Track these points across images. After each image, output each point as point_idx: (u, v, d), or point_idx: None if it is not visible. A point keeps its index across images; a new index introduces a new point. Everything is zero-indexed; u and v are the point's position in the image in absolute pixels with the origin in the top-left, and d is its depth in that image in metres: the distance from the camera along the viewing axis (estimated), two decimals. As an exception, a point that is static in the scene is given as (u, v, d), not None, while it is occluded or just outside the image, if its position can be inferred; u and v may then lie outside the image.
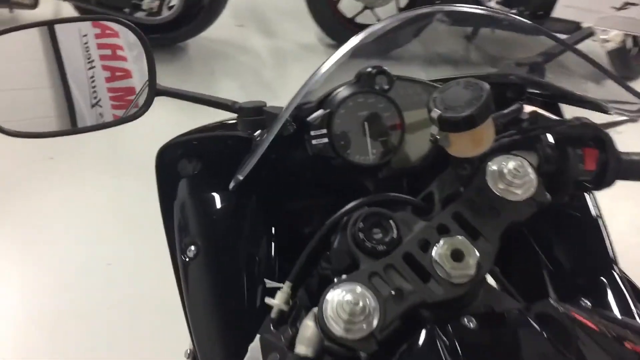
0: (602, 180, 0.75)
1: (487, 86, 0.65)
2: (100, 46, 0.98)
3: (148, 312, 2.07)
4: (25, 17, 3.53)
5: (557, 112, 0.97)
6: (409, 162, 0.87)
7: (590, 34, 1.24)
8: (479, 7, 0.83)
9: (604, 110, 0.90)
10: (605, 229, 0.92)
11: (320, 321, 0.58)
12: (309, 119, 0.83)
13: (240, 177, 0.79)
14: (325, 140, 0.82)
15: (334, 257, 0.69)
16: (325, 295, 0.59)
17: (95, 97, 0.98)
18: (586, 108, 0.91)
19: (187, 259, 0.83)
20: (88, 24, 0.99)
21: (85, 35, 0.98)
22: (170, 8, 3.38)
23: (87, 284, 2.22)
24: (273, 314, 0.70)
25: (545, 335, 0.59)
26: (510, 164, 0.68)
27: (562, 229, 0.91)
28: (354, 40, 0.79)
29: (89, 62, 0.98)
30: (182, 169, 0.91)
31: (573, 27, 2.38)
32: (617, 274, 0.87)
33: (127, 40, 0.96)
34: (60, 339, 2.04)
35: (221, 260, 0.84)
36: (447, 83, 0.68)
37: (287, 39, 4.10)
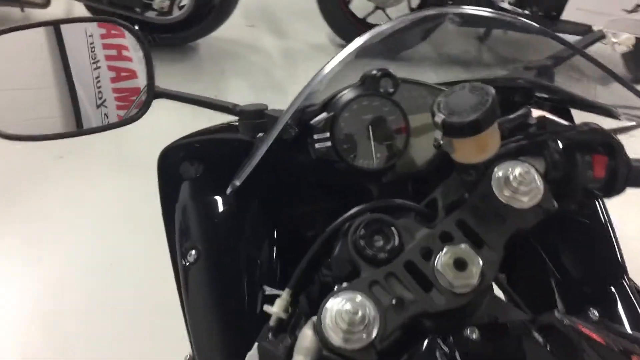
0: (612, 188, 0.73)
1: (492, 90, 0.64)
2: (106, 46, 0.98)
3: (150, 313, 2.07)
4: (36, 16, 3.55)
5: (568, 116, 0.95)
6: (414, 167, 0.86)
7: (601, 37, 1.21)
8: (486, 9, 0.82)
9: (614, 116, 0.88)
10: (615, 236, 0.90)
11: (318, 330, 0.57)
12: (312, 122, 0.81)
13: (237, 183, 0.78)
14: (329, 143, 0.81)
15: (335, 264, 0.68)
16: (325, 303, 0.58)
17: (100, 98, 0.98)
18: (595, 113, 0.89)
19: (187, 264, 0.82)
20: (94, 24, 0.99)
21: (91, 36, 0.98)
22: (181, 8, 3.40)
23: (89, 284, 2.23)
24: (272, 322, 0.69)
25: (548, 349, 0.58)
26: (516, 170, 0.66)
27: (570, 235, 0.89)
28: (358, 42, 0.77)
29: (94, 62, 0.98)
30: (184, 171, 0.90)
31: (585, 29, 2.35)
32: (627, 283, 0.85)
33: (132, 40, 0.96)
34: (60, 340, 2.05)
35: (222, 265, 0.83)
36: (453, 87, 0.67)
37: (297, 39, 4.10)
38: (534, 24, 0.81)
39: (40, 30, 0.96)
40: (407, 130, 0.83)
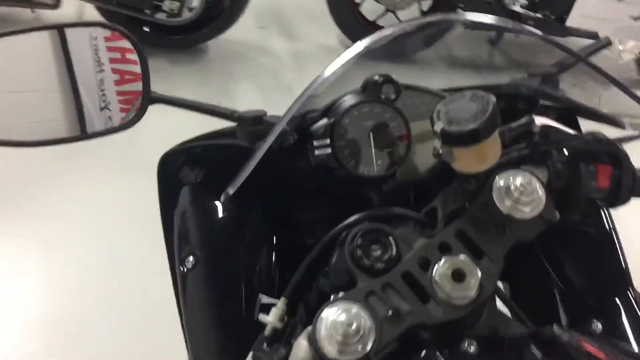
0: (616, 198, 0.72)
1: (493, 99, 0.63)
2: (110, 49, 0.98)
3: (152, 315, 2.04)
4: (47, 17, 3.56)
5: (575, 125, 0.94)
6: (416, 174, 0.85)
7: (607, 44, 1.20)
8: (489, 16, 0.80)
9: (619, 125, 0.86)
10: (621, 246, 0.88)
11: (313, 341, 0.56)
12: (312, 128, 0.81)
13: (230, 192, 0.77)
14: (329, 150, 0.80)
15: (332, 273, 0.67)
16: (320, 313, 0.57)
17: (104, 101, 0.98)
18: (600, 122, 0.88)
19: (186, 270, 0.81)
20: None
21: (95, 39, 0.98)
22: (190, 10, 3.40)
23: (89, 284, 2.23)
24: (267, 332, 0.68)
25: None
26: (517, 179, 0.65)
27: (574, 245, 0.87)
28: (358, 47, 0.77)
29: (98, 66, 0.98)
30: (185, 176, 0.89)
31: (593, 35, 2.32)
32: (632, 294, 0.83)
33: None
34: (60, 340, 2.05)
35: (220, 272, 0.82)
36: (454, 95, 0.66)
37: (307, 41, 4.08)
38: (536, 31, 0.80)
39: (45, 33, 0.96)
40: (409, 137, 0.82)
